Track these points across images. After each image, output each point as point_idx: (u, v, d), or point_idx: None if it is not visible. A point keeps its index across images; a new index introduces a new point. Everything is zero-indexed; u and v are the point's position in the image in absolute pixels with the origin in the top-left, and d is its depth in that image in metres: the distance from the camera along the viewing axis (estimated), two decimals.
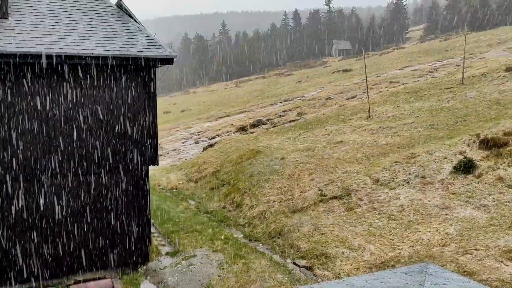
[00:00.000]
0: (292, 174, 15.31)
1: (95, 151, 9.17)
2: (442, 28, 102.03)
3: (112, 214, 9.54)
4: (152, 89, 9.56)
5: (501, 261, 8.02)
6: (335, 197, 12.82)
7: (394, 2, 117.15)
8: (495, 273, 7.69)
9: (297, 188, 14.17)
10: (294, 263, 10.09)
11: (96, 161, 9.22)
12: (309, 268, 9.80)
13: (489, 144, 13.10)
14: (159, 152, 21.63)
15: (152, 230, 12.29)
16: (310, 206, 12.86)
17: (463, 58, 28.62)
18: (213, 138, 28.93)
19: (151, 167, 10.30)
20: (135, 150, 9.55)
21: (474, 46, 45.51)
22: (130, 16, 10.44)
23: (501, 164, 11.79)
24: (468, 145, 13.57)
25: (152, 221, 12.99)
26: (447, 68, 34.46)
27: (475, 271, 7.78)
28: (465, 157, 12.48)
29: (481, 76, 25.06)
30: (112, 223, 9.56)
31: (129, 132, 9.44)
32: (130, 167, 9.56)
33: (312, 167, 15.35)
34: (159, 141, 19.03)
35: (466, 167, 12.00)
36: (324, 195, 13.11)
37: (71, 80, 8.86)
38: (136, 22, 10.29)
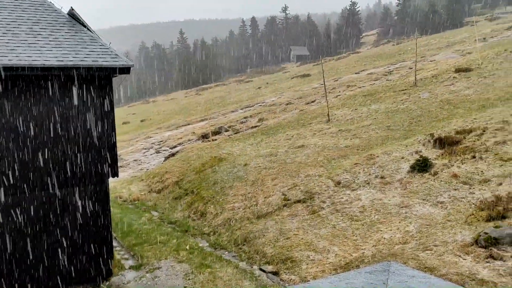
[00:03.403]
0: (256, 180, 15.34)
1: (50, 165, 8.83)
2: (394, 33, 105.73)
3: (70, 229, 9.19)
4: (109, 99, 9.33)
5: (459, 256, 8.33)
6: (298, 201, 12.93)
7: (348, 8, 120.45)
8: (454, 267, 7.98)
9: (261, 194, 14.20)
10: (261, 269, 10.08)
11: (52, 175, 8.87)
12: (275, 273, 9.81)
13: (443, 143, 13.64)
14: (119, 164, 21.11)
15: (114, 244, 11.94)
16: (275, 211, 12.91)
17: (415, 61, 29.75)
18: (175, 147, 28.57)
19: (111, 179, 10.03)
20: (93, 162, 9.27)
21: (425, 49, 47.39)
22: (83, 25, 10.17)
23: (455, 162, 12.29)
24: (424, 145, 14.07)
25: (114, 234, 12.62)
26: (400, 71, 35.68)
27: (435, 267, 8.04)
28: (421, 156, 12.93)
29: (433, 78, 26.11)
30: (71, 238, 9.21)
31: (86, 144, 9.16)
32: (89, 180, 9.26)
33: (275, 172, 15.44)
34: (118, 152, 18.57)
35: (422, 166, 12.43)
36: (288, 200, 13.20)
37: (23, 92, 8.51)
38: (90, 31, 10.03)
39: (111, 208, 9.95)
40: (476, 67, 25.29)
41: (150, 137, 36.58)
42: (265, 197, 13.86)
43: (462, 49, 38.84)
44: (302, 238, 10.87)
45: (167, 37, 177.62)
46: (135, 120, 58.44)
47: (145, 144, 33.59)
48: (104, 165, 9.41)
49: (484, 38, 42.23)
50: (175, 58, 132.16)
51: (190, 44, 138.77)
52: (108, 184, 9.66)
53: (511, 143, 12.30)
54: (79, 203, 9.23)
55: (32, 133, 8.64)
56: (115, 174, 9.63)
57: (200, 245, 12.15)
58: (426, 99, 21.28)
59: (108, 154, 9.43)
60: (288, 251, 10.45)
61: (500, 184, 10.59)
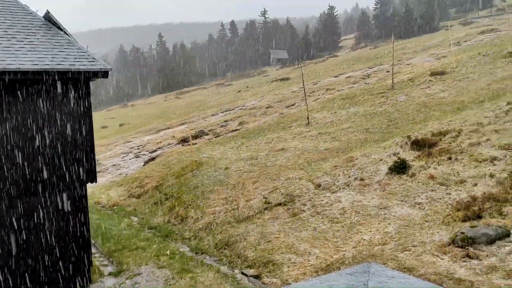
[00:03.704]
0: (237, 183, 15.32)
1: (25, 170, 8.64)
2: (371, 37, 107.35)
3: (48, 236, 9.00)
4: (86, 103, 9.19)
5: (437, 255, 8.49)
6: (279, 204, 12.97)
7: (327, 12, 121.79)
8: (432, 267, 8.12)
9: (242, 197, 14.19)
10: (242, 273, 10.06)
11: (27, 181, 8.68)
12: (257, 277, 9.80)
13: (420, 145, 13.90)
14: (98, 169, 20.78)
15: (93, 250, 11.74)
16: (256, 214, 12.91)
17: (392, 64, 30.26)
18: (154, 151, 28.31)
19: (89, 185, 9.87)
20: (70, 167, 9.11)
21: (401, 53, 48.23)
22: (60, 28, 10.00)
23: (431, 163, 12.53)
24: (401, 147, 14.31)
25: (92, 241, 12.41)
26: (378, 74, 36.24)
27: (414, 267, 8.17)
28: (399, 158, 13.14)
29: (409, 81, 26.61)
30: (48, 246, 9.02)
31: (63, 149, 9.00)
32: (66, 186, 9.09)
33: (256, 176, 15.46)
34: (97, 157, 18.29)
35: (400, 168, 12.63)
36: (269, 203, 13.23)
37: None
38: (67, 34, 9.87)
39: (89, 214, 9.79)
40: (450, 71, 25.89)
41: (129, 142, 36.18)
42: (246, 201, 13.86)
43: (437, 53, 39.70)
44: (283, 241, 10.90)
45: (146, 41, 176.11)
46: (114, 124, 57.72)
47: (124, 148, 33.19)
48: (82, 170, 9.25)
49: (458, 42, 43.28)
50: (154, 62, 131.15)
51: (169, 47, 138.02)
52: (86, 189, 9.51)
53: (485, 144, 12.62)
54: (56, 209, 9.05)
55: (6, 137, 8.44)
56: (93, 179, 9.48)
57: (181, 250, 12.05)
58: (403, 102, 21.66)
59: (85, 159, 9.28)
60: (269, 254, 10.46)
61: (476, 184, 10.85)
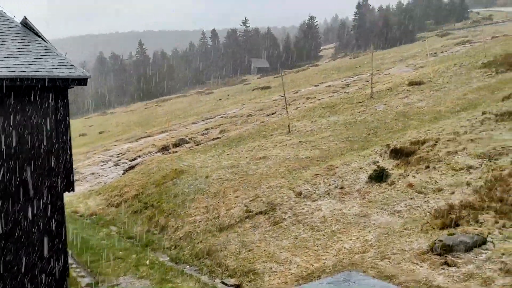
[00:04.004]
0: (218, 192, 15.25)
1: (2, 179, 8.41)
2: (351, 47, 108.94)
3: (22, 248, 8.75)
4: (64, 111, 9.03)
5: (416, 263, 8.58)
6: (260, 213, 12.95)
7: (307, 22, 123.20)
8: (411, 275, 8.21)
9: (223, 206, 14.11)
10: (223, 283, 9.98)
11: (1, 190, 8.45)
12: (238, 286, 9.74)
13: (398, 154, 14.10)
14: (76, 177, 20.40)
15: (70, 261, 11.48)
16: (237, 223, 12.86)
17: (371, 74, 30.73)
18: (134, 159, 27.96)
19: (67, 194, 9.66)
20: (47, 176, 8.91)
21: (380, 63, 49.07)
22: (37, 34, 9.83)
23: (410, 172, 12.72)
24: (381, 155, 14.49)
25: (69, 251, 12.14)
26: (357, 83, 36.73)
27: (393, 275, 8.24)
28: (378, 167, 13.29)
29: (388, 90, 27.04)
30: (23, 257, 8.77)
31: (41, 157, 8.80)
32: (42, 195, 8.88)
33: (237, 184, 15.41)
34: (75, 166, 17.94)
35: (380, 176, 12.78)
36: (250, 211, 13.19)
37: None
38: (44, 41, 9.71)
39: (66, 223, 9.58)
40: (428, 81, 26.43)
41: (109, 150, 35.66)
42: (227, 209, 13.79)
43: (415, 63, 40.53)
44: (264, 250, 10.86)
45: (126, 48, 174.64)
46: (93, 132, 56.89)
47: (103, 156, 32.69)
48: (59, 179, 9.06)
49: (435, 53, 44.31)
50: (134, 69, 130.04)
51: (149, 55, 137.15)
52: (63, 198, 9.31)
53: (461, 153, 12.88)
54: (32, 219, 8.83)
55: None
56: (70, 188, 9.29)
57: (161, 259, 11.89)
58: (382, 111, 21.98)
59: (63, 167, 9.10)
60: (250, 263, 10.41)
61: (453, 192, 11.06)
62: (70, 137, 9.30)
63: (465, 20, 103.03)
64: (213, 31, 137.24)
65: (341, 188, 13.05)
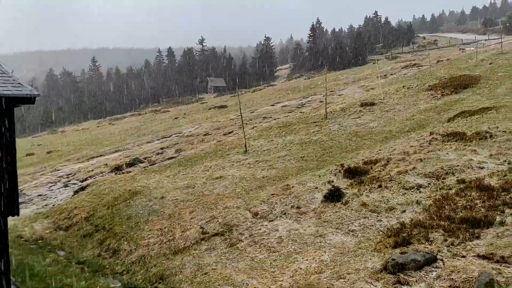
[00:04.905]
0: (173, 213, 14.92)
1: None
2: (306, 68, 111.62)
3: None
4: (9, 131, 8.57)
5: (370, 283, 8.70)
6: (217, 234, 12.76)
7: (263, 42, 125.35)
8: None
9: (178, 228, 13.80)
10: None
11: None
12: None
13: (352, 173, 14.42)
14: (21, 200, 19.33)
15: None
16: (193, 245, 12.59)
17: (325, 95, 31.55)
18: (85, 180, 26.90)
19: (10, 218, 9.11)
20: None
21: (334, 84, 50.49)
22: None
23: (364, 191, 13.01)
24: (335, 175, 14.75)
25: (12, 279, 11.39)
26: (312, 104, 37.54)
27: None
28: (333, 186, 13.52)
29: (341, 111, 27.81)
30: None
31: None
32: None
33: (193, 205, 15.16)
34: (20, 187, 16.99)
35: (334, 196, 12.98)
36: (206, 233, 12.98)
37: None
38: None
39: (10, 249, 9.00)
40: (379, 102, 27.45)
41: (58, 170, 34.15)
42: (182, 231, 13.49)
43: (366, 85, 42.03)
44: (220, 273, 10.67)
45: (78, 65, 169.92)
46: (41, 151, 54.42)
47: (52, 177, 31.24)
48: (2, 202, 8.53)
49: (385, 75, 46.19)
50: (86, 87, 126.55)
51: (103, 72, 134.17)
52: (6, 223, 8.76)
53: (411, 172, 13.36)
54: None
55: None
56: (14, 211, 8.77)
57: (112, 286, 11.40)
58: (336, 131, 22.52)
59: (6, 189, 8.59)
60: (206, 287, 10.18)
61: (404, 211, 11.39)
62: (15, 157, 8.84)
63: (412, 44, 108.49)
64: (169, 49, 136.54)
65: (297, 207, 13.13)
